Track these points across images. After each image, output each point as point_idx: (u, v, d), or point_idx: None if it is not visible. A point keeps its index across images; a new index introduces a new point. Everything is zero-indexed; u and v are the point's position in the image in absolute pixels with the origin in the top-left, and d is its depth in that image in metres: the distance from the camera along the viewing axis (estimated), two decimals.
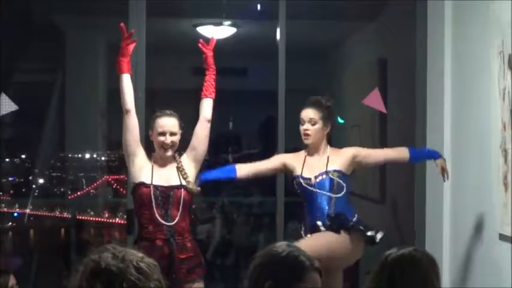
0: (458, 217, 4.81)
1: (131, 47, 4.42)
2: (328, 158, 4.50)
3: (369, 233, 4.28)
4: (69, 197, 8.49)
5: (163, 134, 4.33)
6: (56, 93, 8.26)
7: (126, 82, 4.38)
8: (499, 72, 4.05)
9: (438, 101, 5.06)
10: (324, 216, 4.37)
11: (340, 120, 6.32)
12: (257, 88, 8.49)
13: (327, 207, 4.38)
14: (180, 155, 4.43)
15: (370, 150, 4.67)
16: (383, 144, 6.41)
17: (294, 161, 4.58)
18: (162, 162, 4.37)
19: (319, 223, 4.35)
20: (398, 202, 5.86)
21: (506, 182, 3.96)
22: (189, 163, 4.39)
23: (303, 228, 4.51)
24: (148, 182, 4.27)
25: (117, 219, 8.13)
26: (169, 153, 4.35)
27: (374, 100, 5.09)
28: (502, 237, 3.97)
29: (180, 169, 4.35)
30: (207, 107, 4.47)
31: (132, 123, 4.36)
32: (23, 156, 8.89)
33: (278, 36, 5.47)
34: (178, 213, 4.25)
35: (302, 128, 4.54)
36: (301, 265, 2.31)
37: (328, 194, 4.38)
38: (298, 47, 6.17)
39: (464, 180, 4.71)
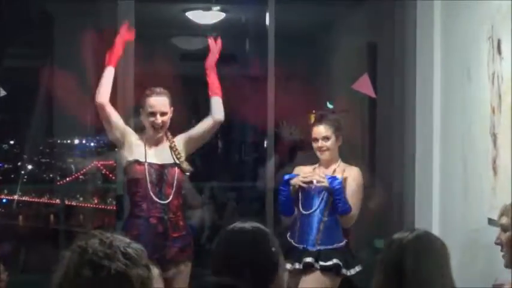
0: (447, 202, 4.82)
1: (122, 44, 4.41)
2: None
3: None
4: (58, 183, 8.45)
5: (153, 114, 4.32)
6: (44, 78, 8.22)
7: (107, 75, 4.34)
8: (488, 57, 4.06)
9: (428, 85, 5.06)
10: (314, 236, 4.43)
11: (330, 105, 6.31)
12: (247, 73, 8.48)
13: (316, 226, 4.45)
14: (173, 134, 4.43)
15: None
16: (372, 129, 6.42)
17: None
18: (155, 141, 4.37)
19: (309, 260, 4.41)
20: (387, 188, 5.85)
21: (495, 167, 3.97)
22: (182, 146, 4.39)
23: (290, 238, 4.57)
24: (142, 159, 4.27)
25: (107, 205, 8.12)
26: (160, 133, 4.34)
27: (363, 85, 5.10)
28: (491, 221, 3.98)
29: (173, 148, 4.36)
30: (218, 107, 4.49)
31: (109, 114, 4.33)
32: (12, 142, 8.86)
33: (267, 21, 5.46)
34: (172, 192, 4.26)
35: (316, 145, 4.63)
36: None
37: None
38: (288, 31, 6.17)
39: (453, 165, 4.72)
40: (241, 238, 2.48)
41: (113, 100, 4.95)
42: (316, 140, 4.62)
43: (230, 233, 2.52)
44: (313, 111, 6.01)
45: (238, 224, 2.53)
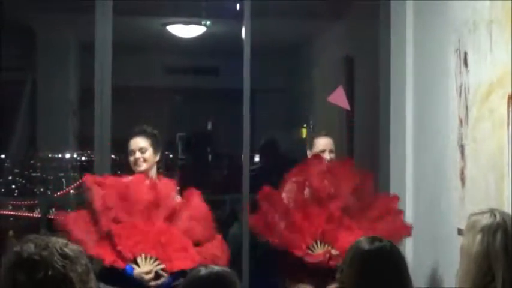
0: (419, 212, 4.89)
1: None
2: None
3: None
4: (50, 196, 8.47)
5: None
6: (27, 91, 8.27)
7: None
8: (455, 69, 4.14)
9: (401, 97, 5.15)
10: None
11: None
12: (228, 87, 8.56)
13: None
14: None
15: None
16: (350, 139, 6.49)
17: None
18: None
19: None
20: None
21: (463, 177, 4.04)
22: None
23: None
24: None
25: None
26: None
27: (338, 97, 5.17)
28: (460, 232, 4.03)
29: None
30: None
31: None
32: (2, 156, 8.86)
33: (243, 35, 5.52)
34: None
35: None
36: None
37: None
38: (266, 46, 6.22)
39: (424, 176, 4.80)
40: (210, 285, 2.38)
41: (91, 115, 5.02)
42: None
43: (198, 279, 2.41)
44: (305, 124, 6.06)
45: (205, 270, 2.42)
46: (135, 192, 4.13)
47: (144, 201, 4.12)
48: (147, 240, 3.97)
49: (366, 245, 2.70)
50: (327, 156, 4.67)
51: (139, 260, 3.91)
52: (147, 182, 4.22)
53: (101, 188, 4.15)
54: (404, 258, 2.73)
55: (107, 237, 3.96)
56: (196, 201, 4.29)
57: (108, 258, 3.84)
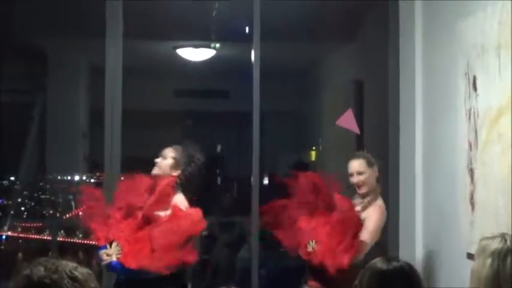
0: (428, 237, 4.87)
1: None
2: None
3: None
4: (59, 218, 8.47)
5: None
6: (37, 114, 8.30)
7: None
8: (465, 93, 4.14)
9: (410, 121, 5.15)
10: None
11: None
12: (237, 109, 8.59)
13: None
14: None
15: None
16: None
17: None
18: None
19: None
20: None
21: (472, 201, 4.03)
22: None
23: None
24: None
25: None
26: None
27: (347, 120, 5.15)
28: (470, 256, 4.02)
29: None
30: None
31: None
32: (12, 178, 8.88)
33: (253, 58, 5.54)
34: None
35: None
36: None
37: None
38: (275, 68, 6.23)
39: (433, 200, 4.79)
40: None
41: (101, 138, 5.04)
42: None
43: None
44: (314, 147, 6.08)
45: None
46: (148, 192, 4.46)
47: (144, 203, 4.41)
48: (124, 232, 4.32)
49: (383, 266, 2.69)
50: (354, 179, 4.70)
51: (113, 244, 4.28)
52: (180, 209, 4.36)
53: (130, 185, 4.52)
54: (420, 278, 2.72)
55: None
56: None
57: (98, 234, 4.35)
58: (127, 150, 5.36)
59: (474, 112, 4.02)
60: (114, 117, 5.22)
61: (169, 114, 9.08)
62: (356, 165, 4.72)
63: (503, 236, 2.81)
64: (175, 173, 4.48)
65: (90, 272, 2.16)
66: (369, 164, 4.70)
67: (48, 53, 8.36)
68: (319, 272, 4.49)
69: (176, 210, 4.33)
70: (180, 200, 4.41)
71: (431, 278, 4.70)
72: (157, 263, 4.16)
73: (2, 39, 6.67)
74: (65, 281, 2.06)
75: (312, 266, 4.54)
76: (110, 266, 4.29)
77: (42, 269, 2.09)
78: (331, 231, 4.51)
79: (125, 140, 5.23)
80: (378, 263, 2.70)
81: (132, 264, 4.18)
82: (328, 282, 4.45)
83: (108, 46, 5.18)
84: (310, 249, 4.54)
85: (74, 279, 2.09)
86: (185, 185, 4.51)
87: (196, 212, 4.36)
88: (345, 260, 4.32)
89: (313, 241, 4.54)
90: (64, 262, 2.14)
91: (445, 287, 4.46)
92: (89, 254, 7.85)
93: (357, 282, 2.72)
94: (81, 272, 2.12)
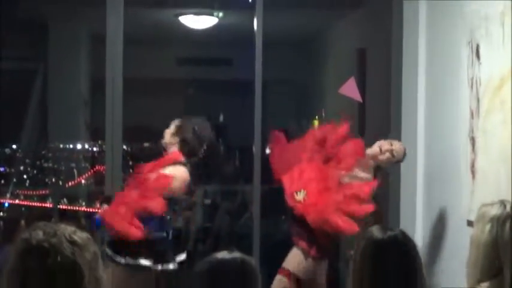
0: (429, 204, 4.89)
1: None
2: None
3: None
4: (62, 186, 8.50)
5: None
6: (38, 82, 8.29)
7: None
8: (467, 61, 4.12)
9: (412, 89, 5.14)
10: None
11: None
12: (240, 78, 8.56)
13: None
14: None
15: None
16: (361, 132, 6.47)
17: None
18: None
19: None
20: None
21: (473, 170, 4.03)
22: None
23: None
24: None
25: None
26: None
27: (349, 89, 5.15)
28: (470, 223, 4.03)
29: None
30: None
31: None
32: (14, 146, 8.89)
33: (256, 27, 5.51)
34: None
35: None
36: None
37: None
38: (278, 37, 6.20)
39: (434, 168, 4.79)
40: (226, 273, 2.29)
41: (103, 106, 5.05)
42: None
43: (213, 265, 2.31)
44: (316, 116, 6.08)
45: (220, 256, 2.32)
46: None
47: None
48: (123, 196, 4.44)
49: (378, 234, 2.69)
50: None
51: None
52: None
53: None
54: (416, 247, 2.72)
55: None
56: None
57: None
58: (128, 119, 5.36)
59: (476, 81, 4.01)
60: (115, 85, 5.21)
61: (171, 82, 9.06)
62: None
63: (502, 203, 2.82)
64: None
65: (89, 236, 2.17)
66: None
67: (49, 21, 8.33)
68: (301, 222, 4.52)
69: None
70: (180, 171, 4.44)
71: (432, 246, 4.72)
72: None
73: (3, 8, 6.64)
74: (64, 245, 2.07)
75: (296, 215, 4.56)
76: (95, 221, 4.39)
77: (40, 233, 2.10)
78: (325, 188, 4.53)
79: (126, 108, 5.22)
80: (373, 231, 2.71)
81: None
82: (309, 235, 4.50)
83: (109, 14, 5.16)
84: (299, 198, 4.54)
85: (73, 243, 2.09)
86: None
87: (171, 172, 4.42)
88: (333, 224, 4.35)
89: (304, 191, 4.54)
90: (63, 226, 2.14)
91: (446, 254, 4.48)
92: (91, 221, 7.90)
93: (353, 251, 2.73)
94: (80, 236, 2.13)
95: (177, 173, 4.41)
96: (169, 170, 4.41)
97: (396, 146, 4.71)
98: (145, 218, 4.31)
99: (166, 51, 9.06)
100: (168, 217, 4.54)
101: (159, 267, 4.34)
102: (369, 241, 2.68)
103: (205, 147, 4.58)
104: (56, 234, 2.10)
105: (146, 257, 4.32)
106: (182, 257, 4.59)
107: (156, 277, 4.37)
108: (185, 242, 4.59)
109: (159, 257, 4.37)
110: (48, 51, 8.43)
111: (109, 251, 4.35)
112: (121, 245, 4.31)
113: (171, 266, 4.41)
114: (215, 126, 9.61)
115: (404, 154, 4.73)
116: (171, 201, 4.46)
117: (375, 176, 4.69)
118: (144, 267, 4.31)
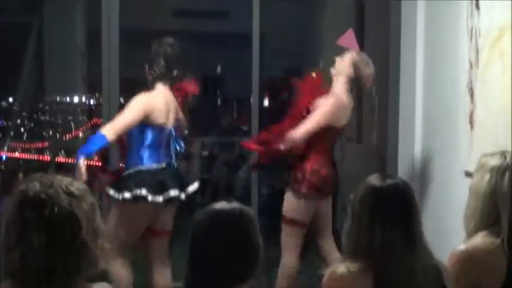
0: (427, 154, 4.90)
1: None
2: None
3: None
4: (59, 139, 8.50)
5: None
6: (34, 34, 8.23)
7: None
8: (467, 12, 4.09)
9: (411, 40, 5.11)
10: None
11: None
12: (237, 30, 8.49)
13: None
14: None
15: None
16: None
17: None
18: None
19: None
20: (372, 141, 5.93)
21: (472, 121, 4.02)
22: None
23: None
24: None
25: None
26: None
27: (348, 40, 5.12)
28: (468, 174, 4.04)
29: None
30: None
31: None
32: (11, 99, 8.88)
33: None
34: None
35: None
36: None
37: None
38: None
39: (433, 119, 4.79)
40: (225, 223, 2.30)
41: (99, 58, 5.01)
42: None
43: (212, 216, 2.32)
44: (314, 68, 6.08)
45: (219, 206, 2.34)
46: None
47: None
48: None
49: (378, 182, 2.70)
50: None
51: None
52: None
53: None
54: (414, 196, 2.73)
55: None
56: None
57: None
58: (125, 71, 5.34)
59: (476, 31, 3.97)
60: (111, 37, 5.18)
61: (167, 34, 8.98)
62: None
63: (503, 153, 2.83)
64: None
65: (86, 187, 2.17)
66: None
67: None
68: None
69: None
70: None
71: (429, 195, 4.74)
72: None
73: None
74: (61, 196, 2.08)
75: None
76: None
77: (37, 184, 2.10)
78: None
79: (123, 60, 5.19)
80: (373, 179, 2.72)
81: None
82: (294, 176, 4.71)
83: None
84: None
85: (69, 194, 2.10)
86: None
87: None
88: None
89: None
90: (59, 177, 2.15)
91: (443, 203, 4.50)
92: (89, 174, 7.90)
93: (351, 196, 2.75)
94: (77, 187, 2.13)
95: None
96: None
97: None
98: (140, 149, 4.43)
99: (162, 3, 8.98)
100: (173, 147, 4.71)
101: (161, 198, 4.47)
102: (368, 189, 2.70)
103: None
104: (53, 186, 2.10)
105: (147, 189, 4.46)
106: (193, 187, 4.74)
107: (156, 207, 4.53)
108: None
109: (159, 188, 4.50)
110: (44, 3, 8.35)
111: (111, 190, 4.49)
112: (121, 182, 4.49)
113: (171, 194, 4.52)
114: (212, 78, 9.63)
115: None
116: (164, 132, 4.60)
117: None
118: (144, 198, 4.44)
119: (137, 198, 4.42)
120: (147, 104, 4.49)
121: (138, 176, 4.47)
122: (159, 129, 4.55)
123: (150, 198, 4.43)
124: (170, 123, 4.63)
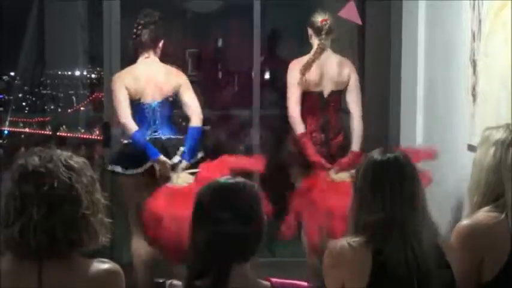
0: (429, 127, 4.89)
1: None
2: None
3: None
4: (61, 113, 8.49)
5: None
6: (34, 6, 8.18)
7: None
8: None
9: (412, 11, 5.09)
10: None
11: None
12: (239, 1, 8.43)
13: None
14: None
15: None
16: (360, 55, 6.43)
17: None
18: None
19: None
20: (373, 113, 5.91)
21: (474, 93, 4.00)
22: None
23: None
24: None
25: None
26: None
27: (349, 12, 5.12)
28: (470, 147, 4.03)
29: None
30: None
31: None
32: (12, 73, 8.85)
33: None
34: None
35: None
36: None
37: None
38: None
39: (435, 91, 4.77)
40: (229, 197, 2.29)
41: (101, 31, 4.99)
42: None
43: (216, 190, 2.31)
44: None
45: (223, 180, 2.33)
46: None
47: None
48: None
49: (378, 156, 2.71)
50: None
51: None
52: None
53: None
54: (415, 169, 2.73)
55: None
56: None
57: None
58: (126, 45, 5.31)
59: (478, 2, 3.94)
60: (113, 10, 5.15)
61: (167, 6, 8.93)
62: None
63: (507, 127, 2.82)
64: None
65: (85, 161, 2.17)
66: None
67: None
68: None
69: None
70: None
71: (432, 169, 4.73)
72: None
73: None
74: (61, 170, 2.08)
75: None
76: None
77: (36, 158, 2.10)
78: None
79: (124, 34, 5.18)
80: (374, 153, 2.73)
81: None
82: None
83: None
84: None
85: (69, 167, 2.10)
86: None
87: None
88: None
89: None
90: (59, 151, 2.15)
91: (445, 176, 4.49)
92: (91, 148, 7.93)
93: (354, 171, 2.75)
94: (76, 160, 2.13)
95: None
96: None
97: None
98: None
99: None
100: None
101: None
102: (369, 162, 2.70)
103: None
104: (52, 160, 2.10)
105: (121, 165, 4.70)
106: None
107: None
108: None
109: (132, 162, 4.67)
110: None
111: (114, 167, 4.68)
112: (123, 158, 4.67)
113: (175, 160, 4.69)
114: (213, 50, 9.57)
115: None
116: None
117: None
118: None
119: (115, 173, 4.70)
120: (121, 78, 4.64)
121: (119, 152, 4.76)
122: (136, 104, 4.62)
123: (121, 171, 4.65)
124: (150, 97, 4.67)
